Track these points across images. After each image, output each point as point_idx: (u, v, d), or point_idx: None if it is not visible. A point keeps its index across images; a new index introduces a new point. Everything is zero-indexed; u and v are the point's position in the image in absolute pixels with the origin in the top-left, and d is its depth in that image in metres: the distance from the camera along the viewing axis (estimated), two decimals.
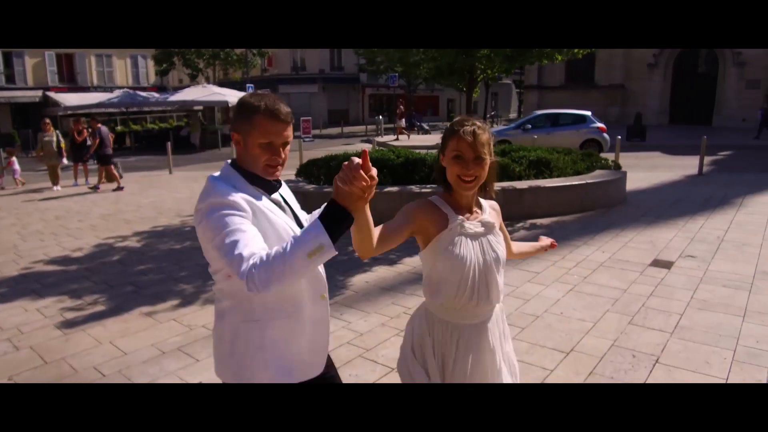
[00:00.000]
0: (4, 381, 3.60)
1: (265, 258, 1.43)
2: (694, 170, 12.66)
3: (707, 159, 15.13)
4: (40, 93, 30.12)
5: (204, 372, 3.60)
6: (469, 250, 1.81)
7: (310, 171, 8.98)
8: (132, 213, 9.45)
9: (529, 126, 16.97)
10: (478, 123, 1.79)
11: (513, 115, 47.65)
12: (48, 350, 4.04)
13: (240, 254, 1.45)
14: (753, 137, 21.37)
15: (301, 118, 28.36)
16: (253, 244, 1.48)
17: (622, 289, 4.88)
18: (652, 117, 28.10)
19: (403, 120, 25.72)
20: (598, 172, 9.19)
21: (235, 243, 1.48)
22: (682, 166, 13.98)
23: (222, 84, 31.94)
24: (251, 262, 1.43)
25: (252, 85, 25.29)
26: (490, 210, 1.93)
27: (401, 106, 26.04)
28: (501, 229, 1.97)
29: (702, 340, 3.82)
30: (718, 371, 3.38)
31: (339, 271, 5.59)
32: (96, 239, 7.53)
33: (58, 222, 8.87)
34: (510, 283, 5.15)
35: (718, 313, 4.29)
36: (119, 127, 26.99)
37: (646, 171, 12.97)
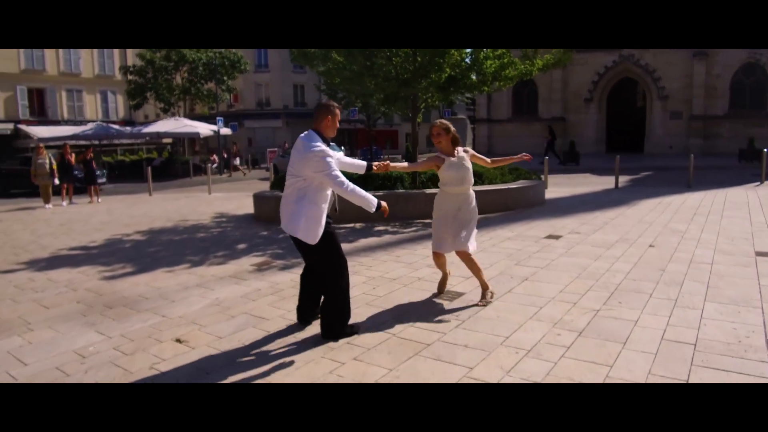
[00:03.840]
0: (75, 304, 5.11)
1: (346, 182, 3.73)
2: (612, 185, 14.91)
3: (628, 178, 17.56)
4: (11, 125, 30.95)
5: (221, 293, 5.21)
6: (453, 168, 4.49)
7: (281, 184, 10.66)
8: (127, 220, 10.90)
9: None
10: (439, 121, 4.49)
11: (468, 146, 50.51)
12: (98, 290, 5.56)
13: (337, 175, 3.67)
14: (558, 162, 23.41)
15: (268, 150, 30.20)
16: (339, 172, 3.73)
17: (517, 249, 6.74)
18: (590, 146, 31.03)
19: (237, 159, 28.49)
20: (520, 181, 11.22)
21: (336, 172, 3.68)
22: (604, 183, 16.23)
23: (190, 118, 33.45)
24: (341, 179, 3.69)
25: (222, 118, 26.92)
26: (462, 152, 4.59)
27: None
28: (473, 157, 4.77)
29: (561, 270, 5.66)
30: (564, 282, 5.20)
31: None
32: (104, 236, 8.99)
33: (63, 227, 10.26)
34: None
35: (579, 258, 6.17)
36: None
37: (572, 187, 15.17)
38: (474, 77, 10.71)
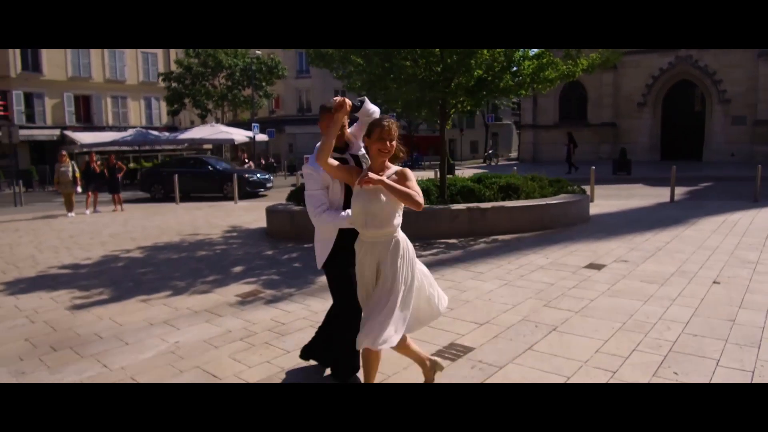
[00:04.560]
0: (21, 342, 4.42)
1: (317, 210, 3.22)
2: (667, 198, 13.44)
3: (685, 189, 15.95)
4: (57, 132, 31.71)
5: (184, 336, 4.41)
6: (359, 198, 2.92)
7: (298, 196, 9.83)
8: (138, 233, 10.38)
9: None
10: (388, 121, 2.93)
11: (513, 153, 48.88)
12: (58, 323, 4.88)
13: (311, 196, 3.24)
14: (565, 172, 21.50)
15: (304, 156, 29.59)
16: (319, 194, 3.27)
17: (549, 283, 5.66)
18: (643, 153, 29.09)
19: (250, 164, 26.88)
20: (561, 195, 10.04)
21: (311, 192, 3.26)
22: (657, 195, 14.73)
23: (231, 124, 33.45)
24: (310, 204, 3.26)
25: (257, 124, 26.60)
26: (393, 174, 2.90)
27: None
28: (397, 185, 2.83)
29: (600, 315, 4.58)
30: (602, 335, 4.13)
31: (312, 270, 6.42)
32: (104, 251, 8.43)
33: (71, 239, 9.81)
34: (453, 278, 5.96)
35: (624, 299, 5.05)
36: (132, 164, 28.36)
37: (622, 199, 13.78)
38: (510, 79, 9.64)
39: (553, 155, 31.36)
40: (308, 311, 4.95)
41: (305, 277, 6.27)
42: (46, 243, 9.49)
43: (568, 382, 3.33)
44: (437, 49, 8.63)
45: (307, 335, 4.01)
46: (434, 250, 7.61)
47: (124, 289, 6.01)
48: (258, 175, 19.02)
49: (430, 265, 6.72)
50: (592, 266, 6.37)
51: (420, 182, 10.14)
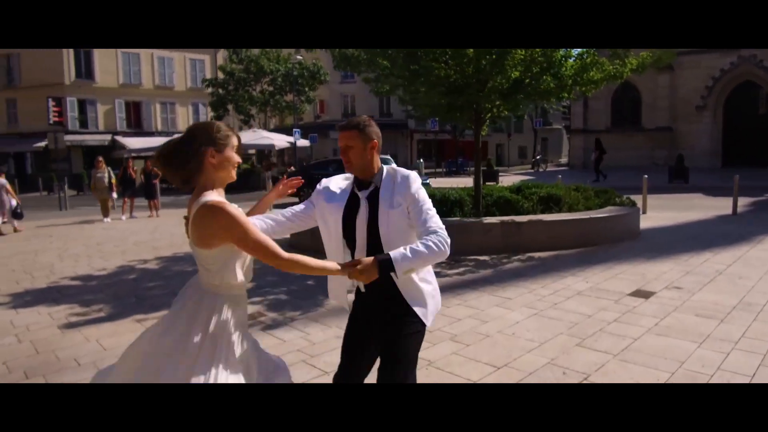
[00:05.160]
0: None
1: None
2: (729, 210, 12.26)
3: (749, 200, 14.61)
4: (109, 137, 32.69)
5: None
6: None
7: None
8: (163, 240, 10.18)
9: None
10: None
11: (563, 159, 47.19)
12: (43, 344, 4.56)
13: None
14: (592, 180, 20.39)
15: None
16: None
17: (586, 315, 4.93)
18: (702, 160, 27.24)
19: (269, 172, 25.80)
20: (608, 208, 9.18)
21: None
22: (718, 207, 13.51)
23: (276, 129, 33.65)
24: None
25: (298, 130, 26.49)
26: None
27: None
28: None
29: (643, 362, 3.85)
30: None
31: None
32: (122, 261, 8.22)
33: (97, 247, 9.70)
34: (476, 305, 5.32)
35: (675, 339, 4.29)
36: None
37: (677, 211, 12.68)
38: (550, 81, 8.88)
39: (606, 161, 29.89)
40: (305, 341, 4.43)
41: (315, 297, 5.78)
42: (70, 250, 9.40)
43: None
44: (470, 50, 8.00)
45: (295, 373, 3.49)
46: (461, 269, 6.97)
47: (124, 306, 5.68)
48: None
49: (455, 287, 6.13)
50: (638, 294, 5.59)
51: (454, 192, 9.53)
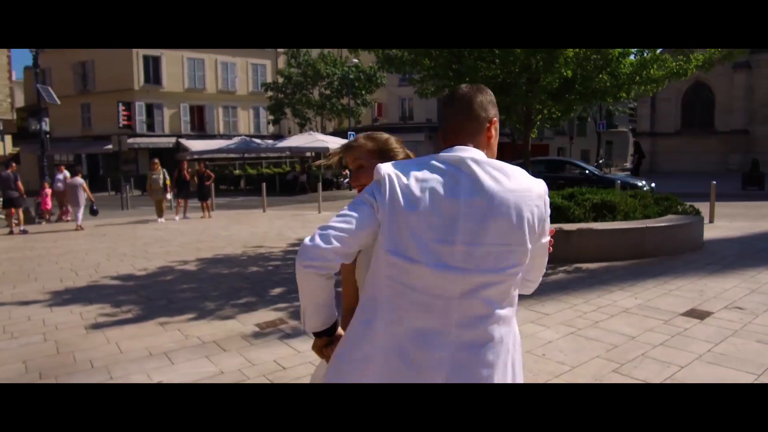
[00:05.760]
0: (18, 365, 4.16)
1: None
2: None
3: None
4: (173, 139, 34.07)
5: (171, 374, 3.89)
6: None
7: None
8: (207, 242, 10.33)
9: None
10: (362, 136, 1.86)
11: (628, 164, 45.06)
12: (65, 344, 4.60)
13: None
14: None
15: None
16: None
17: (630, 336, 4.46)
18: None
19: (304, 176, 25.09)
20: (668, 216, 8.49)
21: None
22: None
23: (334, 133, 33.95)
24: None
25: (353, 132, 26.58)
26: None
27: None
28: None
29: None
30: None
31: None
32: (163, 262, 8.35)
33: (144, 246, 9.96)
34: None
35: (730, 368, 3.77)
36: (237, 171, 29.66)
37: (749, 220, 11.65)
38: (606, 80, 8.33)
39: (675, 166, 28.21)
40: None
41: (339, 305, 5.57)
42: (119, 250, 9.68)
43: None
44: (518, 49, 7.60)
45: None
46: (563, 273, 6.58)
47: (153, 308, 5.69)
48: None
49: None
50: (693, 313, 5.03)
51: None
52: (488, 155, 1.51)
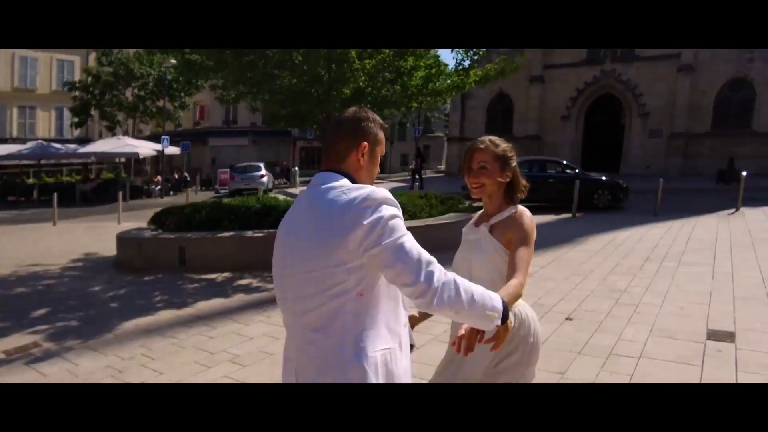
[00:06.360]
0: None
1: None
2: (570, 213, 13.20)
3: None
4: None
5: None
6: (461, 252, 2.12)
7: (160, 220, 8.74)
8: None
9: None
10: (488, 139, 2.05)
11: (442, 166, 48.84)
12: None
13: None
14: (409, 187, 22.17)
15: (219, 171, 28.13)
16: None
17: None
18: None
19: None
20: (448, 215, 9.44)
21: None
22: (566, 210, 14.49)
23: (153, 137, 31.61)
24: None
25: (167, 137, 25.06)
26: (503, 218, 2.01)
27: None
28: (508, 242, 1.95)
29: None
30: None
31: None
32: None
33: None
34: (278, 322, 5.13)
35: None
36: (31, 180, 26.18)
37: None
38: (399, 91, 8.97)
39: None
40: (69, 374, 3.99)
41: (110, 321, 5.30)
42: None
43: None
44: (310, 61, 7.85)
45: None
46: None
47: None
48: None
49: (264, 303, 5.84)
50: None
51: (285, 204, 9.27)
52: (360, 178, 1.59)
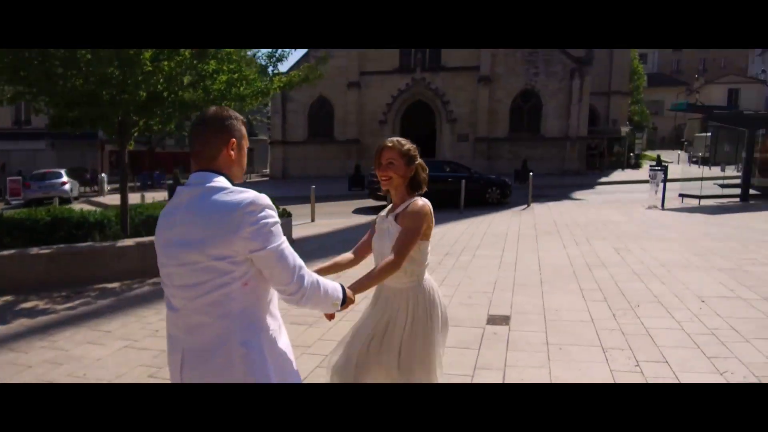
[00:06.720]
0: None
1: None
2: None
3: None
4: None
5: None
6: (375, 239, 2.48)
7: None
8: None
9: None
10: (396, 139, 2.39)
11: (267, 170, 48.24)
12: None
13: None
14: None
15: (8, 178, 24.52)
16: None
17: None
18: None
19: None
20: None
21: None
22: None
23: None
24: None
25: None
26: (404, 207, 2.33)
27: None
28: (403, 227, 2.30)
29: None
30: None
31: None
32: None
33: None
34: (63, 347, 4.56)
35: None
36: None
37: (345, 218, 13.82)
38: (201, 95, 8.54)
39: (304, 171, 31.76)
40: None
41: None
42: None
43: None
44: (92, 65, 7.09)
45: None
46: (85, 298, 6.08)
47: None
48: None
49: (51, 326, 5.18)
50: None
51: (96, 213, 8.48)
52: (233, 174, 1.72)
